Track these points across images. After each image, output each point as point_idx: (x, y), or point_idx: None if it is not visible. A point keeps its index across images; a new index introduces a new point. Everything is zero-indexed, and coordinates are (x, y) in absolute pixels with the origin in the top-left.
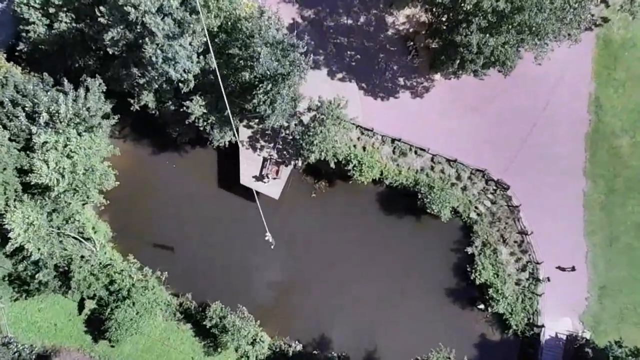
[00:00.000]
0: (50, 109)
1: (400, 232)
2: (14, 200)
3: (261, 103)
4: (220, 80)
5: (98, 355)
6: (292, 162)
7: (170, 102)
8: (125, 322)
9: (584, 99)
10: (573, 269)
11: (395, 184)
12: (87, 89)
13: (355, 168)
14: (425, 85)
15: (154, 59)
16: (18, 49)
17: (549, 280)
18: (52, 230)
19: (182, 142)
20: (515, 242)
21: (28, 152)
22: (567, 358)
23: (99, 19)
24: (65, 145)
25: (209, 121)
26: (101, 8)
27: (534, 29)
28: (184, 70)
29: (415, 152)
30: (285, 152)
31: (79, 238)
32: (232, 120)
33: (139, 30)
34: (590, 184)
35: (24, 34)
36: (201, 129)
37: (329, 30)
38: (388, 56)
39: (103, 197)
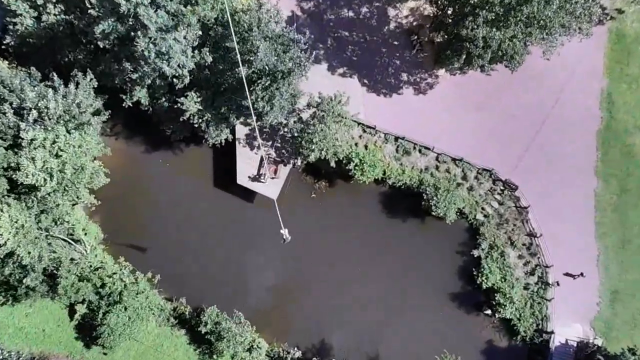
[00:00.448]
0: (39, 105)
1: (403, 233)
2: (0, 202)
3: (259, 99)
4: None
5: None
6: (291, 161)
7: (164, 99)
8: (118, 327)
9: (596, 95)
10: (581, 275)
11: (398, 183)
12: (78, 85)
13: (356, 167)
14: (430, 81)
15: (146, 53)
16: (5, 42)
17: (558, 284)
18: (41, 233)
19: (176, 140)
20: (523, 244)
21: (16, 150)
22: None
23: (89, 11)
24: (54, 143)
25: (205, 118)
26: (92, 0)
27: (542, 22)
28: (179, 65)
29: (420, 151)
30: (283, 151)
31: (69, 240)
32: (230, 117)
33: (131, 23)
34: (602, 183)
35: (10, 27)
36: (196, 126)
37: (330, 23)
38: (391, 51)
39: (94, 197)
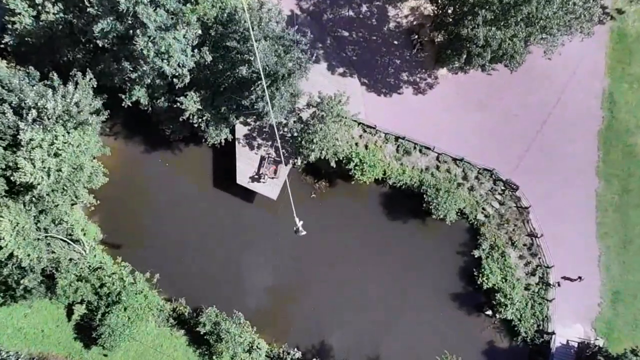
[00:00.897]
0: (38, 105)
1: (403, 233)
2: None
3: (259, 99)
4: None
5: None
6: (291, 161)
7: (163, 98)
8: (118, 327)
9: (597, 95)
10: (580, 278)
11: (398, 184)
12: (77, 84)
13: (356, 167)
14: (430, 81)
15: (145, 52)
16: (3, 41)
17: (559, 285)
18: (40, 233)
19: (175, 140)
20: (524, 245)
21: (14, 150)
22: None
23: (88, 10)
24: (52, 144)
25: (204, 118)
26: None
27: (542, 22)
28: (178, 65)
29: (420, 151)
30: (283, 151)
31: (68, 240)
32: (230, 116)
33: (130, 22)
34: (604, 183)
35: (9, 26)
36: (196, 126)
37: (329, 22)
38: (391, 50)
39: (93, 197)
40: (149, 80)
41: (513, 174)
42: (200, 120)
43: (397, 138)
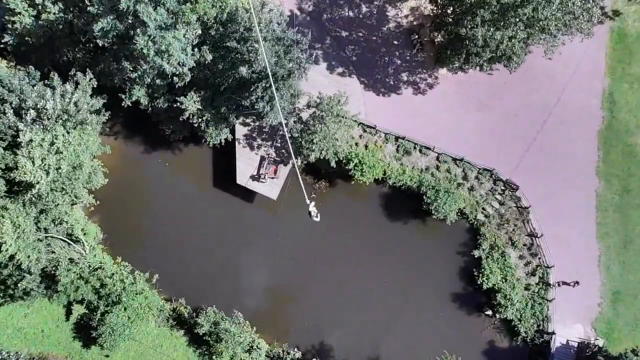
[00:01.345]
0: (38, 105)
1: (403, 233)
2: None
3: (259, 100)
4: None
5: None
6: (291, 161)
7: (163, 98)
8: (118, 327)
9: (597, 94)
10: (577, 283)
11: (399, 184)
12: (77, 84)
13: (356, 168)
14: (430, 81)
15: (145, 51)
16: (3, 41)
17: (559, 285)
18: (40, 233)
19: (175, 140)
20: (524, 245)
21: (14, 150)
22: None
23: (88, 9)
24: (52, 143)
25: (204, 118)
26: None
27: (542, 22)
28: (179, 63)
29: (420, 151)
30: (283, 151)
31: (67, 240)
32: (230, 117)
33: (130, 21)
34: (604, 183)
35: (9, 26)
36: (196, 126)
37: (329, 22)
38: (391, 50)
39: (93, 197)
40: (149, 80)
41: (513, 174)
42: (200, 120)
43: (397, 138)
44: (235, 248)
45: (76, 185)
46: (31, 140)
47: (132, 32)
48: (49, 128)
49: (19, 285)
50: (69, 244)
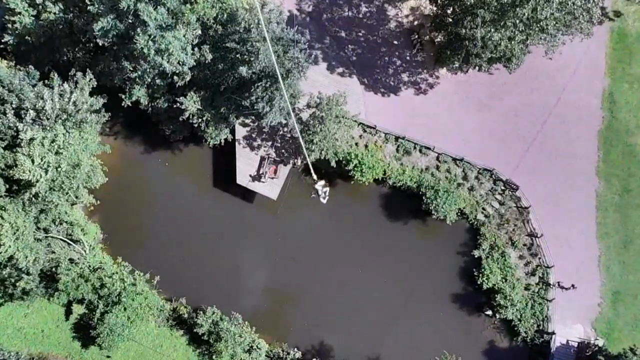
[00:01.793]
0: (36, 106)
1: (403, 234)
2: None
3: (259, 100)
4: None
5: None
6: (291, 161)
7: (163, 98)
8: (117, 327)
9: (598, 94)
10: (573, 287)
11: (399, 184)
12: (76, 83)
13: (356, 168)
14: (431, 81)
15: (145, 50)
16: (3, 41)
17: (559, 285)
18: (40, 234)
19: (175, 140)
20: (524, 245)
21: (14, 150)
22: None
23: (88, 8)
24: (53, 141)
25: (204, 118)
26: None
27: (542, 23)
28: (179, 62)
29: (420, 151)
30: (283, 151)
31: (67, 240)
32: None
33: (130, 21)
34: (604, 183)
35: (9, 25)
36: (195, 126)
37: (329, 22)
38: (391, 50)
39: (93, 197)
40: (149, 80)
41: (513, 173)
42: (200, 120)
43: (397, 138)
44: (236, 248)
45: (75, 185)
46: (32, 139)
47: (132, 31)
48: (48, 128)
49: (17, 285)
50: (69, 244)
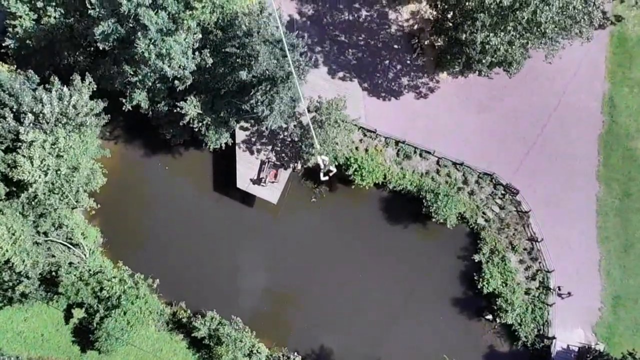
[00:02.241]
0: (34, 109)
1: (404, 238)
2: None
3: (259, 103)
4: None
5: None
6: (291, 165)
7: (163, 102)
8: (115, 331)
9: (598, 98)
10: (569, 294)
11: (399, 188)
12: (75, 87)
13: (356, 172)
14: (431, 85)
15: (146, 54)
16: (4, 44)
17: (560, 289)
18: (39, 238)
19: (176, 144)
20: (524, 249)
21: (14, 153)
22: None
23: (89, 12)
24: (54, 144)
25: (204, 122)
26: (92, 0)
27: (542, 27)
28: (179, 67)
29: (420, 155)
30: (283, 155)
31: (67, 244)
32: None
33: (131, 25)
34: (604, 188)
35: (10, 29)
36: (196, 130)
37: (330, 26)
38: (391, 54)
39: (93, 201)
40: (150, 84)
41: (513, 177)
42: (200, 124)
43: (397, 142)
44: (236, 252)
45: (74, 188)
46: (33, 141)
47: (133, 35)
48: (47, 131)
49: (16, 289)
50: (68, 247)
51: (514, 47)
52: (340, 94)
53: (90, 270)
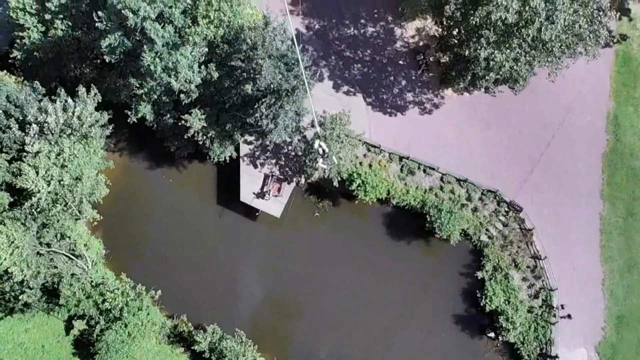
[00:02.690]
0: (39, 119)
1: (407, 254)
2: None
3: (263, 117)
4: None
5: None
6: (295, 180)
7: (168, 115)
8: (115, 344)
9: (602, 117)
10: (569, 316)
11: (402, 203)
12: (80, 98)
13: (359, 187)
14: (436, 101)
15: (152, 67)
16: (12, 56)
17: (563, 308)
18: (42, 248)
19: (180, 157)
20: (528, 267)
21: (20, 162)
22: None
23: (96, 25)
24: (59, 154)
25: (209, 135)
26: (99, 13)
27: (547, 44)
28: (185, 80)
29: (424, 171)
30: (287, 169)
31: (70, 255)
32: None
33: (137, 38)
34: (608, 206)
35: (18, 41)
36: (200, 143)
37: (335, 41)
38: (397, 70)
39: (96, 212)
40: (156, 97)
41: (517, 194)
42: (205, 137)
43: (401, 158)
44: (238, 265)
45: (77, 198)
46: (38, 152)
47: (139, 49)
48: (52, 142)
49: (19, 298)
50: (71, 259)
51: (519, 63)
52: (345, 109)
53: (92, 281)
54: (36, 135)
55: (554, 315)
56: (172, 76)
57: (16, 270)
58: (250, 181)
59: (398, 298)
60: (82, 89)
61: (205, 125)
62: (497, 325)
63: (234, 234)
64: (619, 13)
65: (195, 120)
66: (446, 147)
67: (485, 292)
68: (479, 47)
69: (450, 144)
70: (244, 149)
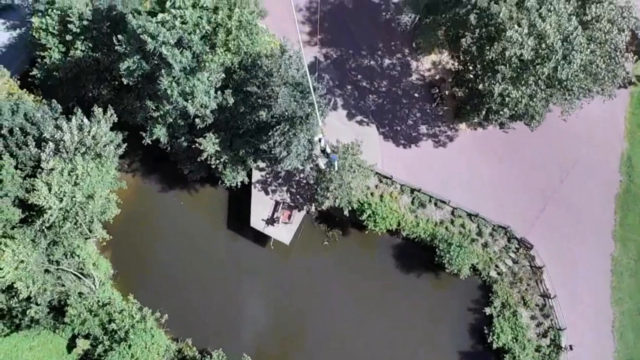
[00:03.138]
0: (55, 137)
1: (415, 286)
2: (3, 235)
3: (277, 144)
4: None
5: None
6: (305, 207)
7: (183, 138)
8: None
9: (616, 157)
10: (570, 348)
11: (412, 235)
12: (95, 118)
13: (369, 218)
14: (449, 134)
15: (169, 91)
16: (32, 74)
17: (571, 348)
18: (50, 266)
19: (192, 180)
20: (536, 305)
21: (34, 178)
22: None
23: (116, 47)
24: (72, 171)
25: (222, 160)
26: (119, 36)
27: (564, 83)
28: (201, 105)
29: (435, 204)
30: (298, 197)
31: (78, 274)
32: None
33: (156, 62)
34: (620, 247)
35: (39, 60)
36: (213, 167)
37: (352, 71)
38: (411, 102)
39: (106, 232)
40: (171, 120)
41: (528, 231)
42: (218, 161)
43: (412, 190)
44: (246, 290)
45: (88, 217)
46: (52, 169)
47: (157, 72)
48: (66, 160)
49: (27, 313)
50: (79, 278)
51: (535, 100)
52: (358, 139)
53: (99, 301)
54: (52, 152)
55: (565, 349)
56: (189, 100)
57: (21, 286)
58: (261, 207)
59: (405, 331)
60: (97, 109)
61: (219, 149)
62: None
63: (243, 259)
64: (636, 56)
65: (209, 144)
66: (458, 180)
67: (493, 328)
68: (494, 82)
69: (463, 177)
70: (256, 175)
